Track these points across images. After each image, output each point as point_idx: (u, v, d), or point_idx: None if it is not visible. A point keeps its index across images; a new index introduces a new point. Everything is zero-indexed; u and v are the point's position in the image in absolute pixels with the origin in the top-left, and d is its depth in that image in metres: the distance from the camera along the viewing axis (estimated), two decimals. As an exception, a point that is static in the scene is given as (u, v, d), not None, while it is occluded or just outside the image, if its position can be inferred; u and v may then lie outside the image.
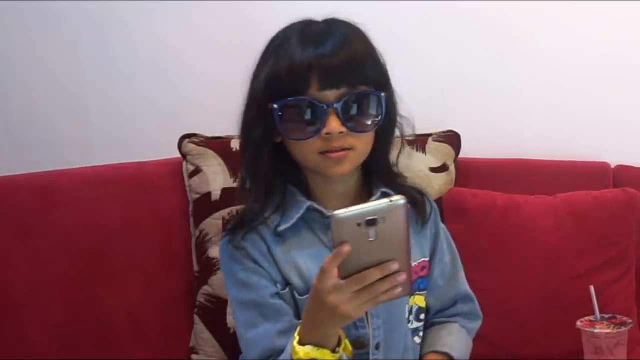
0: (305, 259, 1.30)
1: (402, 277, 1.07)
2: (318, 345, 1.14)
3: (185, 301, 1.73)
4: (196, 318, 1.72)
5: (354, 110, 1.25)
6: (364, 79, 1.26)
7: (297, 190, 1.32)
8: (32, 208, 1.58)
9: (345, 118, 1.24)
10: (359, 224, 1.04)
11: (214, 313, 1.71)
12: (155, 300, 1.69)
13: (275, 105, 1.23)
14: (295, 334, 1.16)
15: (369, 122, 1.27)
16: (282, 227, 1.30)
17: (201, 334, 1.71)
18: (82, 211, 1.63)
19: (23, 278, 1.53)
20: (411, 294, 1.12)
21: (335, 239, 1.05)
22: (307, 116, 1.23)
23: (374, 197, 1.30)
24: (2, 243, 1.52)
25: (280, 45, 1.26)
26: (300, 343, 1.15)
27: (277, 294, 1.30)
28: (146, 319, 1.67)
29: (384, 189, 1.33)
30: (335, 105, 1.23)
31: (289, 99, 1.23)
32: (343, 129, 1.24)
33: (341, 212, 1.03)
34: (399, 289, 1.08)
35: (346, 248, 1.04)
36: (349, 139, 1.26)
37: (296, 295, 1.30)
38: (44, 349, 1.52)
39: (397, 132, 1.37)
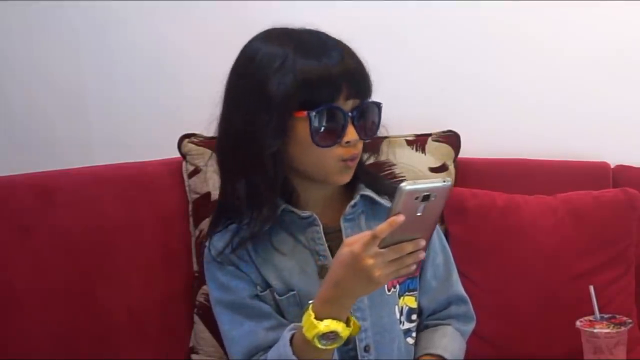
0: (283, 259, 1.32)
1: (422, 255, 1.12)
2: (335, 319, 1.16)
3: (185, 301, 1.73)
4: (196, 318, 1.73)
5: (363, 119, 1.29)
6: (368, 89, 1.30)
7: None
8: (32, 208, 1.58)
9: (359, 126, 1.27)
10: (417, 198, 1.06)
11: (214, 313, 1.71)
12: (155, 300, 1.69)
13: (314, 113, 1.23)
14: (310, 310, 1.17)
15: (372, 130, 1.31)
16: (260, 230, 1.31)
17: (201, 334, 1.71)
18: (82, 211, 1.63)
19: (23, 278, 1.52)
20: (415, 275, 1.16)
21: (394, 208, 1.07)
22: (333, 124, 1.25)
23: (353, 201, 1.34)
24: (2, 243, 1.52)
25: (294, 54, 1.24)
26: (317, 318, 1.16)
27: (258, 296, 1.32)
28: (146, 319, 1.67)
29: (364, 192, 1.35)
30: (352, 114, 1.26)
31: (328, 105, 1.24)
32: (357, 137, 1.27)
33: (408, 184, 1.06)
34: (414, 267, 1.13)
35: (401, 218, 1.07)
36: (359, 146, 1.30)
37: (276, 296, 1.32)
38: (44, 349, 1.52)
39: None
